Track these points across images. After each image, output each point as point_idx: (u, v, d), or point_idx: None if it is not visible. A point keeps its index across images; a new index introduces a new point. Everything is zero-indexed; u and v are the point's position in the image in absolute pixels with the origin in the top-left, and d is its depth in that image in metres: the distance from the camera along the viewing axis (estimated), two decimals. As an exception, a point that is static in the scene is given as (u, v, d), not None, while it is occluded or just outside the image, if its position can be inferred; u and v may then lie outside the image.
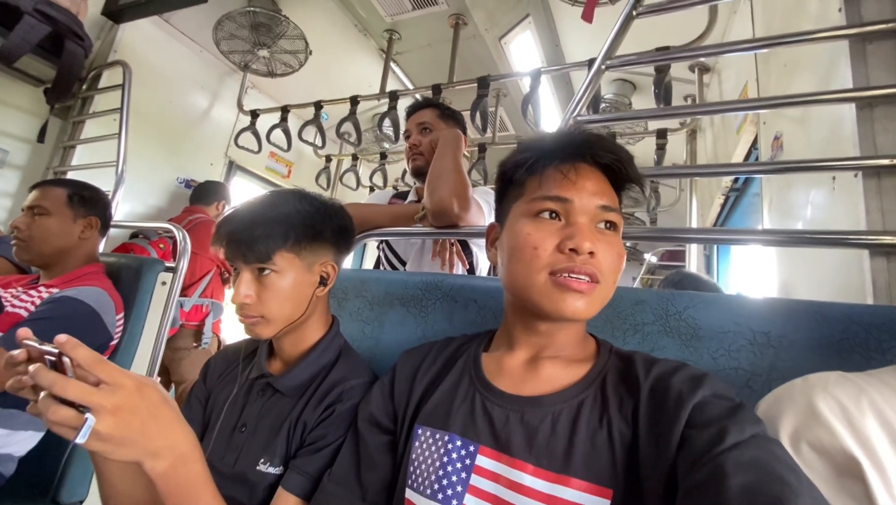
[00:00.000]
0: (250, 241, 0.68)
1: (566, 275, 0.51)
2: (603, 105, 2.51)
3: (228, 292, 2.27)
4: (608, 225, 0.55)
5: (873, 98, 0.77)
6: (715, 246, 2.52)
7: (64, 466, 1.14)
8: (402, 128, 2.15)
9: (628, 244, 4.58)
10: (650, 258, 3.86)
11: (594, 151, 0.55)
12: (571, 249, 0.51)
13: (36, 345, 0.46)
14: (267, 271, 0.69)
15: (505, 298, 0.62)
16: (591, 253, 0.51)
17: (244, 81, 2.64)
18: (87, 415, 0.42)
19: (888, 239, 0.69)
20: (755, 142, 1.69)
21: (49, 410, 0.43)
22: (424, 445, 0.56)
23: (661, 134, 2.18)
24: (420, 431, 0.57)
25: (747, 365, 0.62)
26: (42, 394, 0.43)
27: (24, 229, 1.15)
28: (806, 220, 1.06)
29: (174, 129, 2.45)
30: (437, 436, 0.55)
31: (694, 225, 2.40)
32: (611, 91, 2.63)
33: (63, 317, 1.05)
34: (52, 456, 1.15)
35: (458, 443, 0.53)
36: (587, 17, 1.10)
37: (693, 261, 2.35)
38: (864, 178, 0.76)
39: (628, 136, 2.53)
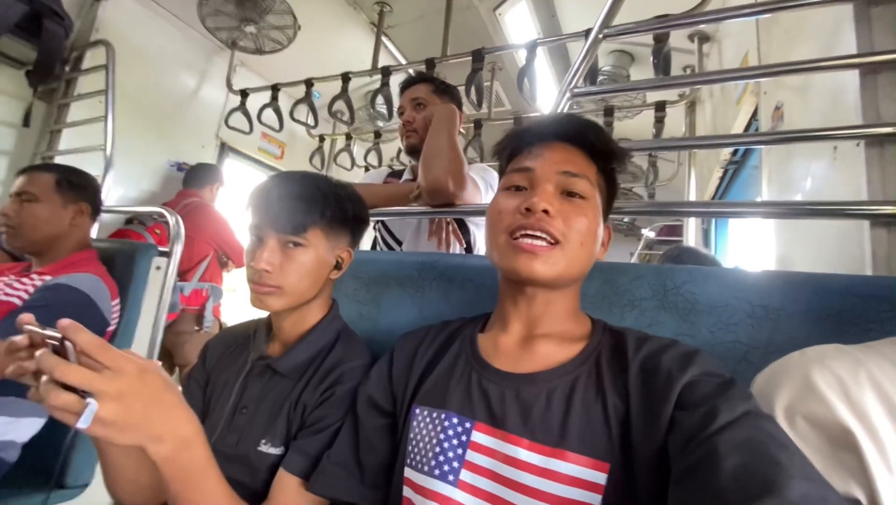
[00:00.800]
0: (290, 211, 0.69)
1: (520, 235, 0.53)
2: (601, 77, 2.46)
3: (227, 276, 2.27)
4: (575, 195, 0.56)
5: (877, 64, 0.75)
6: (713, 220, 2.51)
7: (68, 450, 1.16)
8: (396, 104, 2.10)
9: (626, 219, 4.57)
10: (648, 233, 3.85)
11: (561, 128, 0.59)
12: (527, 209, 0.53)
13: (38, 330, 0.46)
14: (293, 244, 0.70)
15: (499, 275, 0.63)
16: (546, 211, 0.52)
17: (232, 59, 2.56)
18: (89, 400, 0.42)
19: (889, 209, 0.68)
20: (755, 113, 1.66)
21: (50, 395, 0.42)
22: (422, 424, 0.56)
23: (660, 107, 2.14)
24: (418, 411, 0.58)
25: (745, 338, 0.62)
26: (43, 379, 0.43)
27: (13, 216, 1.13)
28: (805, 191, 1.05)
29: (163, 111, 2.39)
30: (434, 414, 0.56)
31: (692, 199, 2.39)
32: (608, 63, 2.57)
33: (58, 304, 1.04)
34: (56, 441, 1.16)
35: (455, 420, 0.54)
36: None
37: (691, 235, 2.34)
38: (867, 148, 0.74)
39: (626, 108, 2.48)
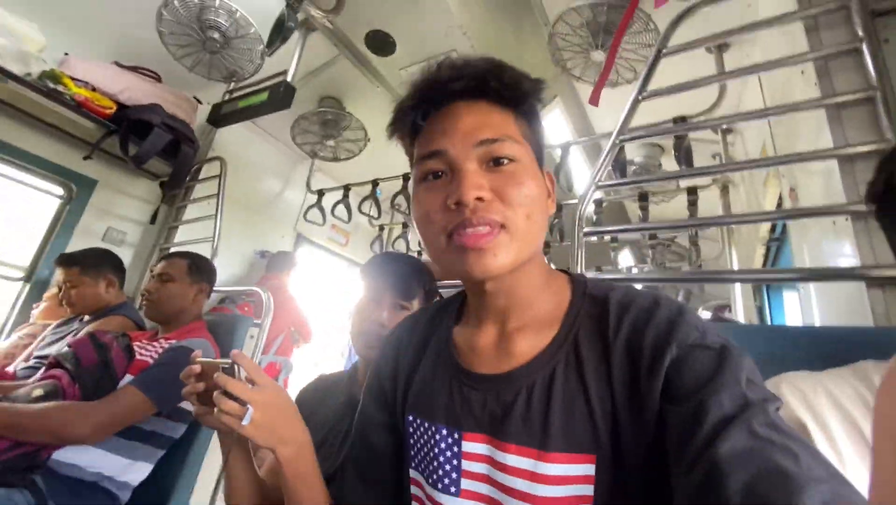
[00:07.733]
0: (406, 281, 0.91)
1: (461, 231, 0.47)
2: (633, 168, 2.69)
3: (297, 351, 2.51)
4: (503, 160, 0.49)
5: (852, 155, 0.91)
6: (765, 295, 2.50)
7: (169, 495, 1.33)
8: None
9: (681, 296, 4.49)
10: (702, 312, 3.76)
11: (457, 86, 0.51)
12: (457, 204, 0.47)
13: (210, 360, 0.67)
14: (400, 307, 0.91)
15: None
16: (479, 199, 0.47)
17: (312, 166, 3.07)
18: (249, 406, 0.61)
19: (878, 272, 0.80)
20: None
21: (222, 402, 0.61)
22: (418, 433, 0.58)
23: (692, 191, 2.31)
24: (411, 418, 0.59)
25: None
26: (216, 392, 0.63)
27: (154, 292, 1.44)
28: (819, 259, 1.15)
29: (254, 209, 2.87)
30: (427, 425, 0.56)
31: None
32: (641, 154, 2.82)
33: (181, 361, 1.28)
34: (160, 487, 1.34)
35: (444, 432, 0.54)
36: (594, 101, 1.33)
37: (740, 311, 2.34)
38: (853, 221, 0.88)
39: (661, 194, 2.66)
